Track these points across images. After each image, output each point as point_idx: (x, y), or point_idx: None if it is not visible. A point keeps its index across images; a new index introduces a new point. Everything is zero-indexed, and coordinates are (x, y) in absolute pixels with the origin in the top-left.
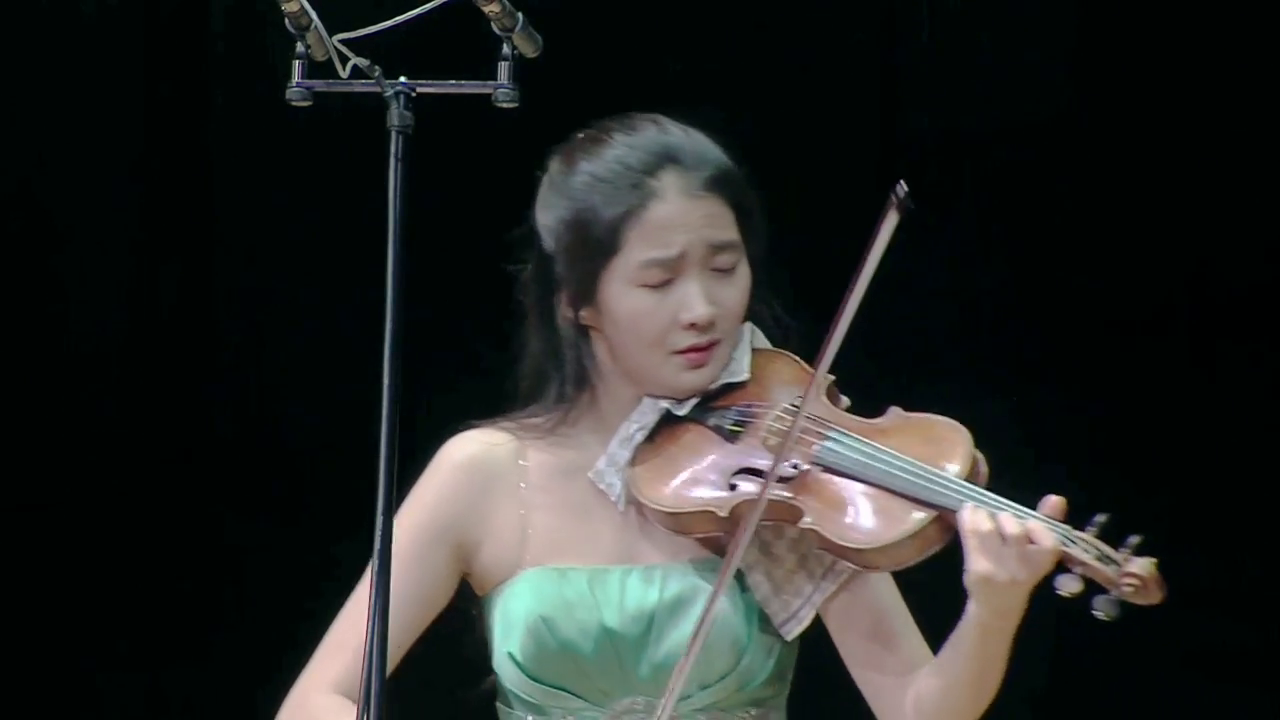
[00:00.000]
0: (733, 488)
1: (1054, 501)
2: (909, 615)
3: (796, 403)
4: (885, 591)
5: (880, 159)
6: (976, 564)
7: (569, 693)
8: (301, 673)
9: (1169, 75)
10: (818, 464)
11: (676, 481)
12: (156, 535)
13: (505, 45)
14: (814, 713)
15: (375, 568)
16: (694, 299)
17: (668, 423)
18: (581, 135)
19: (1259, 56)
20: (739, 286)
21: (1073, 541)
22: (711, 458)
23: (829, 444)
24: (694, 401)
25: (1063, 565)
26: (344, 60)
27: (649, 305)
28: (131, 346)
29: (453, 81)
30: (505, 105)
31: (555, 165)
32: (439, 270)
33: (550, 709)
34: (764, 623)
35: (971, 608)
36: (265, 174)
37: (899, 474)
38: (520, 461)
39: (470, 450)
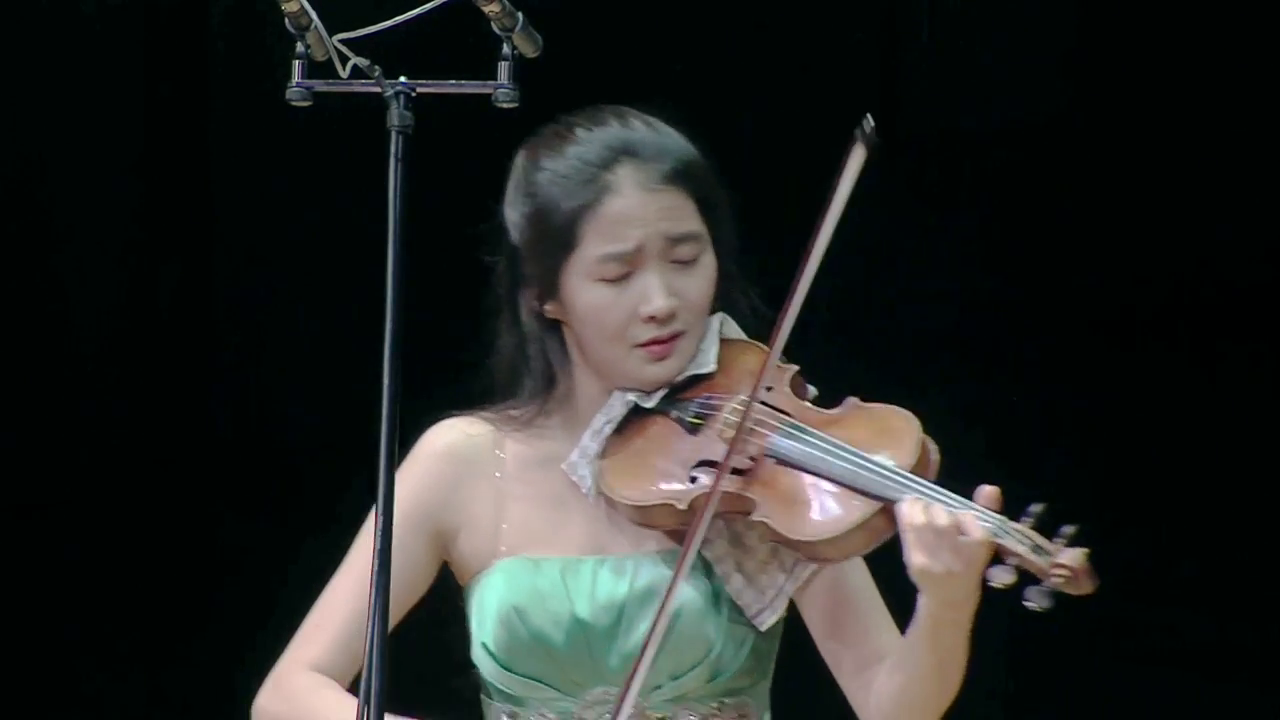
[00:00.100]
0: (693, 480)
1: (989, 491)
2: (882, 604)
3: (763, 394)
4: (858, 580)
5: (880, 159)
6: (913, 556)
7: (542, 683)
8: (280, 656)
9: (1168, 75)
10: (771, 456)
11: (641, 474)
12: (156, 535)
13: (505, 45)
14: (805, 705)
15: (375, 567)
16: (653, 292)
17: (636, 415)
18: (546, 129)
19: (1259, 56)
20: (702, 278)
21: (1006, 533)
22: (674, 450)
23: (781, 436)
24: (662, 394)
25: (999, 557)
26: (344, 60)
27: (608, 299)
28: (131, 346)
29: (453, 81)
30: (505, 105)
31: (520, 160)
32: (439, 270)
33: (526, 699)
34: (735, 613)
35: (921, 600)
36: (265, 174)
37: (846, 466)
38: (497, 452)
39: (449, 439)
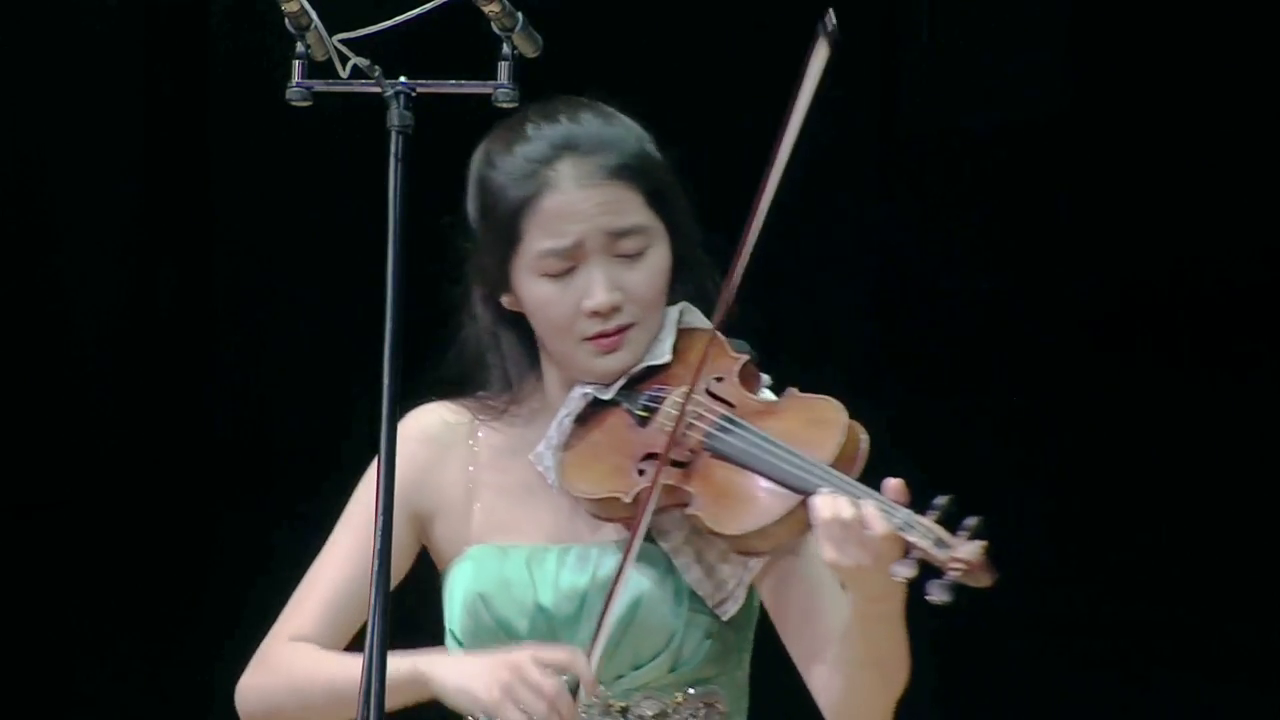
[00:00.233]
0: (640, 473)
1: (894, 484)
2: (840, 593)
3: (710, 387)
4: (817, 567)
5: (880, 159)
6: (823, 550)
7: None
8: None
9: (1168, 75)
10: (707, 450)
11: (594, 467)
12: (154, 534)
13: (505, 45)
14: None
15: (376, 567)
16: (594, 287)
17: (597, 407)
18: (503, 123)
19: (1258, 56)
20: (648, 271)
21: (911, 526)
22: (625, 443)
23: (716, 430)
24: (619, 385)
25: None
26: (344, 60)
27: (552, 294)
28: (131, 346)
29: (453, 81)
30: (505, 105)
31: (477, 155)
32: (439, 270)
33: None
34: (697, 603)
35: (849, 595)
36: (265, 174)
37: (771, 460)
38: (472, 440)
39: (425, 422)
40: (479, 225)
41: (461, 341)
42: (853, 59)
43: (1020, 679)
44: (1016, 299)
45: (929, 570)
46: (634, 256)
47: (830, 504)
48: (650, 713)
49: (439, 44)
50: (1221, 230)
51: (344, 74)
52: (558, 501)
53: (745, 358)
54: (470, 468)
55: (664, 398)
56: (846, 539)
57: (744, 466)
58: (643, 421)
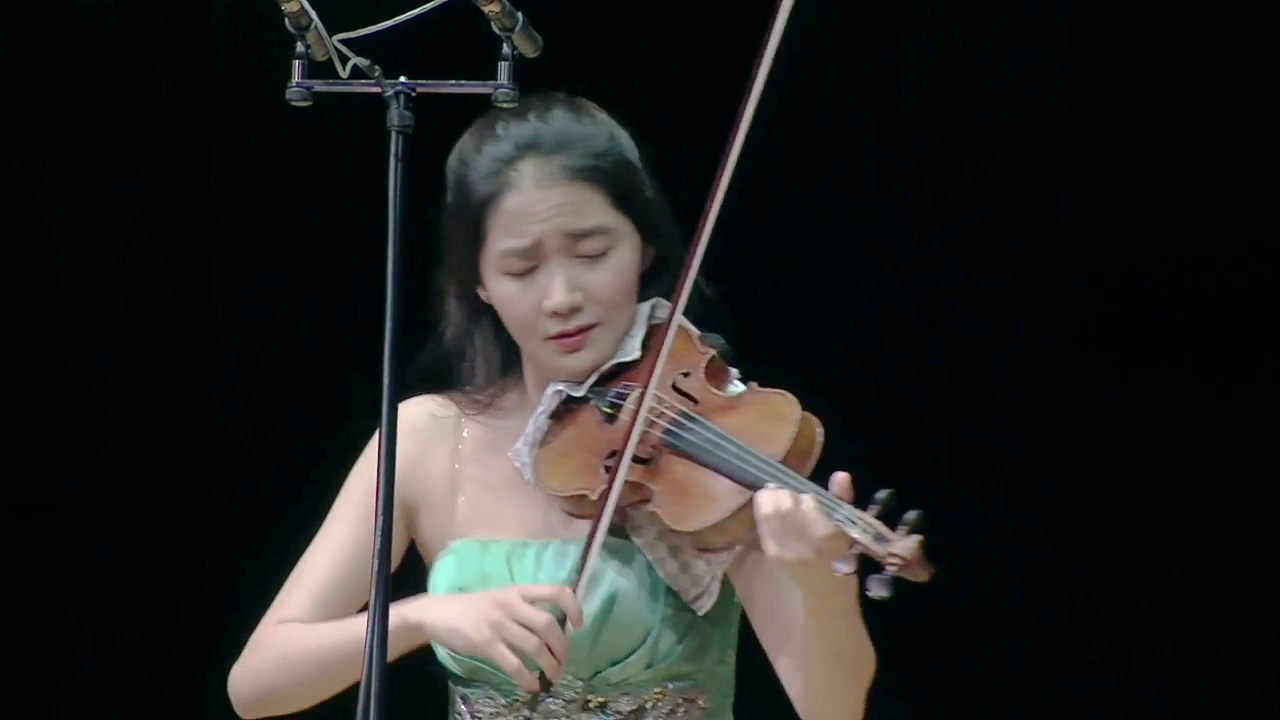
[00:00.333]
0: (606, 470)
1: (840, 479)
2: None
3: (676, 382)
4: None
5: (880, 159)
6: (765, 545)
7: (487, 666)
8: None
9: (1168, 75)
10: (667, 446)
11: (564, 464)
12: (154, 534)
13: (505, 45)
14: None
15: (376, 566)
16: (553, 287)
17: (571, 404)
18: (477, 121)
19: (1258, 56)
20: (611, 271)
21: (851, 521)
22: (593, 440)
23: (674, 426)
24: (591, 382)
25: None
26: (344, 60)
27: (515, 293)
28: (131, 346)
29: (453, 81)
30: (505, 105)
31: (453, 152)
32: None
33: (473, 681)
34: (674, 599)
35: (798, 592)
36: (265, 174)
37: (725, 455)
38: (458, 433)
39: (413, 415)
40: (450, 221)
41: (437, 337)
42: (853, 59)
43: (1019, 679)
44: (1016, 299)
45: (871, 565)
46: (595, 257)
47: (772, 499)
48: (628, 708)
49: (439, 44)
50: (1221, 230)
51: (344, 74)
52: (537, 497)
53: (713, 352)
54: (455, 462)
55: (628, 394)
56: (787, 534)
57: (700, 463)
58: (610, 419)
